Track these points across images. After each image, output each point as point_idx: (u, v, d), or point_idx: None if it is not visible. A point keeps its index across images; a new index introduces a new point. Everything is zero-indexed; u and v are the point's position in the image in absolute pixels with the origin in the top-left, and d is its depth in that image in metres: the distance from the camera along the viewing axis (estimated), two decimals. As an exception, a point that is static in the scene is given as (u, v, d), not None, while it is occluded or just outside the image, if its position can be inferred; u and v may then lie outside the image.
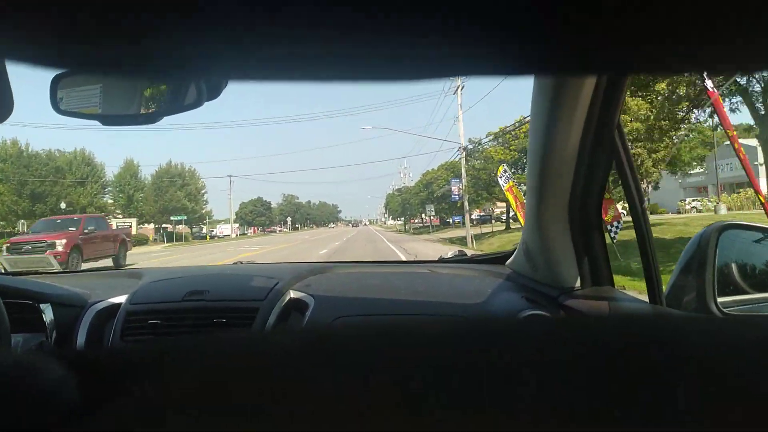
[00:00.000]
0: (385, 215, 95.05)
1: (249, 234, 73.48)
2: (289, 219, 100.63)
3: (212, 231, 60.80)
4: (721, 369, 0.25)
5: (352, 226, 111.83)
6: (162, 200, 47.29)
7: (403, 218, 58.53)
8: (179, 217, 45.21)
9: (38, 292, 1.38)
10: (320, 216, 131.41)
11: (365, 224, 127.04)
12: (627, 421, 0.22)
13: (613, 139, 1.04)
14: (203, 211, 54.25)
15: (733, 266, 1.11)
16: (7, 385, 0.24)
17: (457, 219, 39.84)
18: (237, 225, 72.19)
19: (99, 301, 1.44)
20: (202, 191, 54.05)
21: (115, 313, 1.39)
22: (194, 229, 54.45)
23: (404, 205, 51.25)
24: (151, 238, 45.36)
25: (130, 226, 41.02)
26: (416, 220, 57.26)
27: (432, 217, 39.85)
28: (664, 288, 1.05)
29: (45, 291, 1.40)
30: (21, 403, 0.23)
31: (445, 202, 35.61)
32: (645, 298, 1.06)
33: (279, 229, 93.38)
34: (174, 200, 47.76)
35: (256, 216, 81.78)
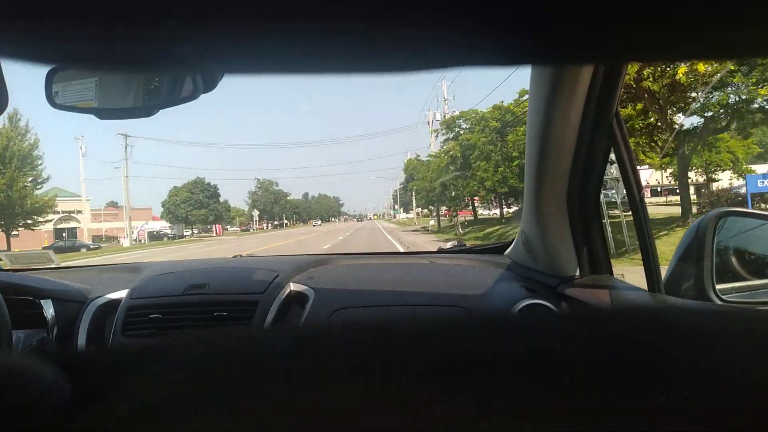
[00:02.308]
0: (396, 207, 69.81)
1: (189, 236, 51.58)
2: (255, 213, 71.53)
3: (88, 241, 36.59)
4: (724, 361, 0.25)
5: (357, 221, 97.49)
6: None
7: (431, 207, 29.32)
8: None
9: (39, 288, 1.38)
10: (319, 210, 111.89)
11: (370, 218, 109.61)
12: (628, 416, 0.21)
13: (611, 127, 1.04)
14: (26, 195, 27.50)
15: (732, 253, 1.11)
16: None
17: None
18: (167, 223, 52.33)
19: (99, 297, 1.45)
20: (34, 153, 28.06)
21: (116, 308, 1.40)
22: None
23: (454, 169, 21.83)
24: None
25: None
26: (445, 211, 29.48)
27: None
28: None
29: (45, 287, 1.40)
30: (8, 408, 0.23)
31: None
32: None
33: (258, 226, 72.22)
34: None
35: (193, 208, 52.40)
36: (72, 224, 43.07)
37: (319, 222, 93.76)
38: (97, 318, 1.40)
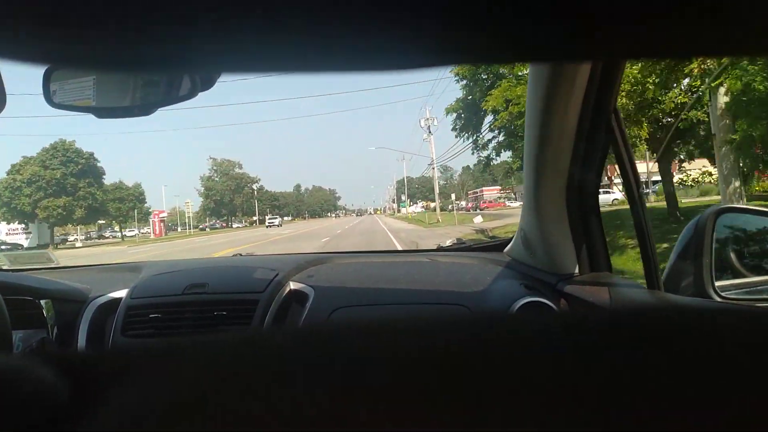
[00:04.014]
0: (403, 199, 55.74)
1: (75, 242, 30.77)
2: (188, 204, 49.56)
3: None
4: (723, 359, 0.25)
5: (356, 215, 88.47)
6: None
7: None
8: None
9: (38, 287, 1.38)
10: (313, 204, 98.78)
11: (370, 213, 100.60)
12: (627, 415, 0.21)
13: (609, 123, 1.04)
14: None
15: (731, 250, 1.11)
16: None
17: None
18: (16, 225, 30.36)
19: (99, 296, 1.45)
20: None
21: (116, 307, 1.40)
22: None
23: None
24: None
25: None
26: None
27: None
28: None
29: (45, 286, 1.40)
30: (3, 410, 0.22)
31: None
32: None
33: (222, 224, 54.48)
34: None
35: (45, 195, 29.30)
36: None
37: (277, 222, 57.09)
38: (97, 318, 1.40)
